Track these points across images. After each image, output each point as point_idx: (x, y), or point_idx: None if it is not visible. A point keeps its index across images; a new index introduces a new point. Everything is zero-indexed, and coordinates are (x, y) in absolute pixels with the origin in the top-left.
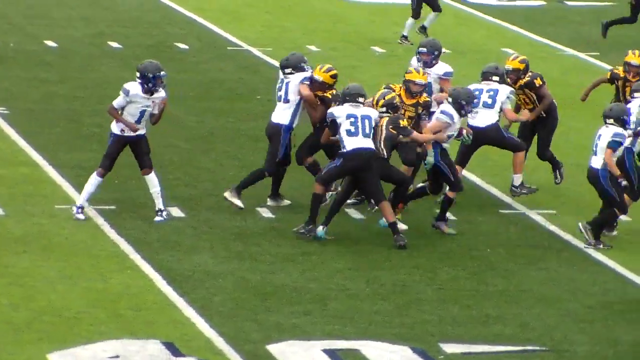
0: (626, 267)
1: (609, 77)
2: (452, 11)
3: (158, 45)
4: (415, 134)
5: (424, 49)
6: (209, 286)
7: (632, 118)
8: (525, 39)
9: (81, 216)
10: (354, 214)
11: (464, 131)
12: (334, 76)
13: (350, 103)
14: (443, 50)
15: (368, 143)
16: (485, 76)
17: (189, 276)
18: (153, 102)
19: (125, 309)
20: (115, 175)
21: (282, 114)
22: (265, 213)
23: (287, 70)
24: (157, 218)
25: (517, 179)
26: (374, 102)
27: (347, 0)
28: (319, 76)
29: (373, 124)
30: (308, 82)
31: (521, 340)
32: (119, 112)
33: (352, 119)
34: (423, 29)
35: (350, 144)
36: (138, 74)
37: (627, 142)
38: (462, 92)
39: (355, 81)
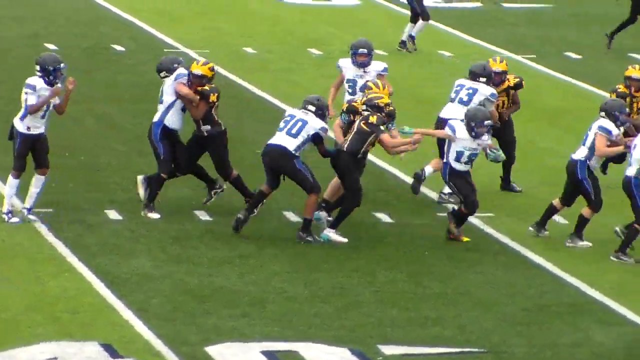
0: (562, 269)
1: (615, 97)
2: (387, 12)
3: (94, 47)
4: (384, 136)
5: (365, 50)
6: (147, 289)
7: (636, 155)
8: (461, 41)
9: (15, 219)
10: (292, 217)
11: (488, 149)
12: (212, 69)
13: (302, 109)
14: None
15: (282, 140)
16: (473, 77)
17: (127, 279)
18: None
19: (63, 312)
20: (53, 178)
21: (157, 115)
22: (203, 216)
23: (162, 74)
24: (14, 219)
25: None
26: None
27: (283, 2)
28: (198, 70)
29: (309, 131)
30: (185, 80)
31: (459, 343)
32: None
33: (289, 118)
34: (411, 38)
35: (270, 139)
36: (38, 67)
37: (581, 154)
38: (478, 113)
39: (291, 83)
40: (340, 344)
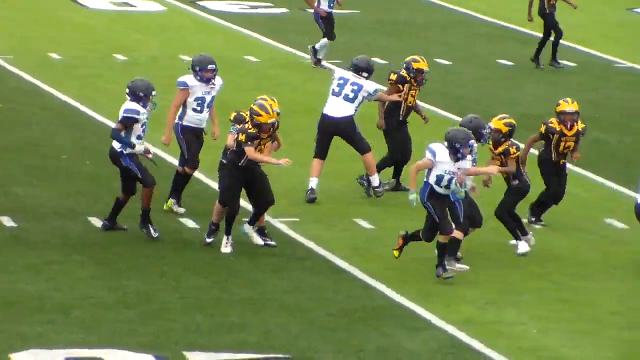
0: (368, 274)
1: (542, 131)
2: (192, 18)
3: None
4: (248, 149)
5: (213, 66)
6: None
7: None
8: (267, 46)
9: None
10: (97, 222)
11: (454, 179)
12: None
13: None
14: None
15: None
16: (356, 69)
17: None
18: None
19: None
20: None
21: None
22: (8, 222)
23: None
24: None
25: (375, 180)
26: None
27: (91, 10)
28: None
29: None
30: None
31: (265, 348)
32: None
33: None
34: (318, 61)
35: None
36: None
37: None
38: (458, 134)
39: (97, 89)
40: (145, 350)
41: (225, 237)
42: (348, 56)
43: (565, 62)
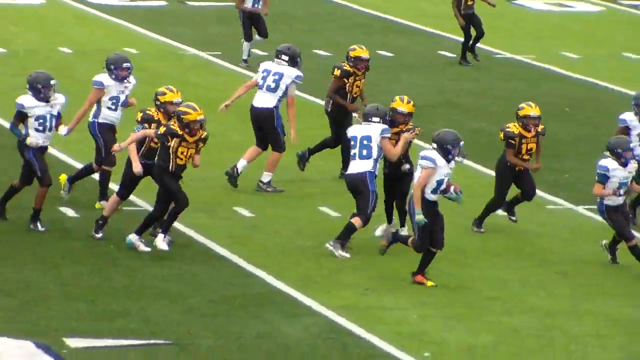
0: (248, 262)
1: (502, 138)
2: (72, 10)
3: None
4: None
5: (129, 64)
6: None
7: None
8: (147, 39)
9: None
10: None
11: (452, 187)
12: None
13: None
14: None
15: None
16: (277, 54)
17: None
18: None
19: None
20: None
21: None
22: None
23: None
24: None
25: (267, 177)
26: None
27: None
28: None
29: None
30: None
31: (146, 335)
32: None
33: None
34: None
35: None
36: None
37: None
38: (447, 136)
39: None
40: (25, 336)
41: (161, 233)
42: (224, 47)
43: (445, 52)
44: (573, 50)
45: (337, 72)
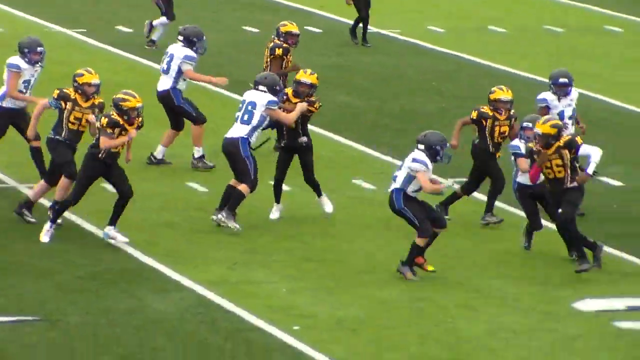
0: None
1: (474, 117)
2: None
3: None
4: (103, 139)
5: (42, 49)
6: None
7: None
8: (11, 16)
9: None
10: None
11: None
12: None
13: None
14: None
15: None
16: (177, 35)
17: None
18: None
19: None
20: None
21: None
22: None
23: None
24: None
25: (197, 152)
26: None
27: None
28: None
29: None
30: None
31: (14, 311)
32: None
33: None
34: (151, 42)
35: None
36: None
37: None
38: (434, 137)
39: None
40: None
41: (49, 224)
42: (90, 25)
43: (310, 28)
44: (439, 24)
45: (279, 51)
